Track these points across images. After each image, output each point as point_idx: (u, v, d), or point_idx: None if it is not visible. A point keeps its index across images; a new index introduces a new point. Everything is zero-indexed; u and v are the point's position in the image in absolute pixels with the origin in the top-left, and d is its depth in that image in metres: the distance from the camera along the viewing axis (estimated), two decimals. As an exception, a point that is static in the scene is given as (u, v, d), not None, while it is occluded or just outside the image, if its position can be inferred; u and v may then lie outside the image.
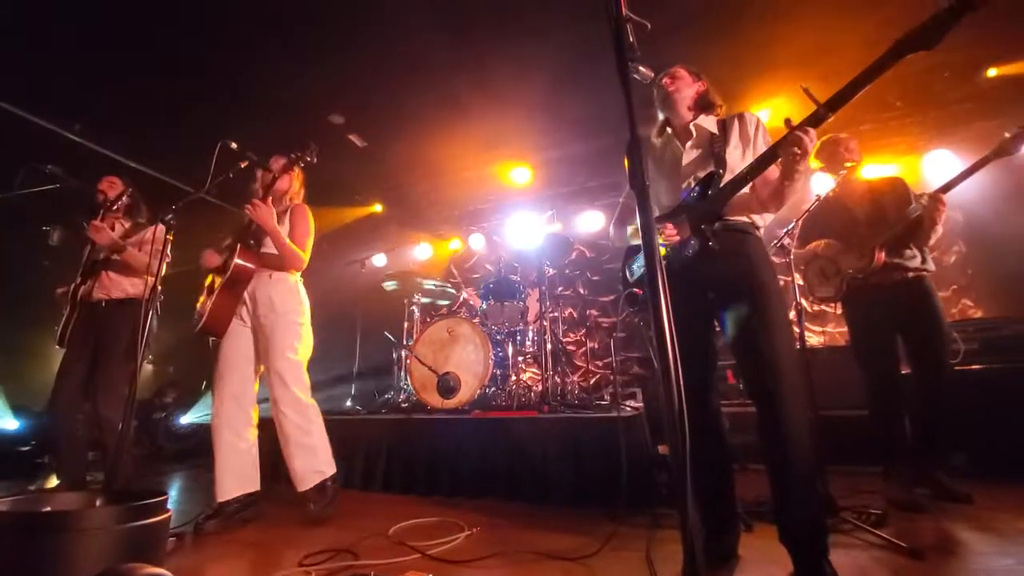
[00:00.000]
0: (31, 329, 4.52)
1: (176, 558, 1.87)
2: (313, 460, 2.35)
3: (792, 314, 2.23)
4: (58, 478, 2.59)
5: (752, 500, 2.07)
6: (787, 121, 1.44)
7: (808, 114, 1.41)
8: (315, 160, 2.54)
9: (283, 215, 2.55)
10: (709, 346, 1.67)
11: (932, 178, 4.22)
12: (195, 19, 3.17)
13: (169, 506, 1.36)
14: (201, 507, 2.37)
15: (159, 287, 2.33)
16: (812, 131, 1.41)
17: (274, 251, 2.46)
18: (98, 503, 1.33)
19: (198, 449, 4.28)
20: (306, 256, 2.53)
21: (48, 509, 1.21)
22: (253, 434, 2.40)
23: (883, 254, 2.42)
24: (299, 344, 2.44)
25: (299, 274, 2.59)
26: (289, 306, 2.45)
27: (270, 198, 2.45)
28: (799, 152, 1.42)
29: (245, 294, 2.45)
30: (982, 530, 1.90)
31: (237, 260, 2.40)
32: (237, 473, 2.30)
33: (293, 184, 2.63)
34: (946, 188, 2.41)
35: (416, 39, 3.42)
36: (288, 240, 2.45)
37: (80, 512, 1.17)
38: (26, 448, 3.52)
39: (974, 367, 2.95)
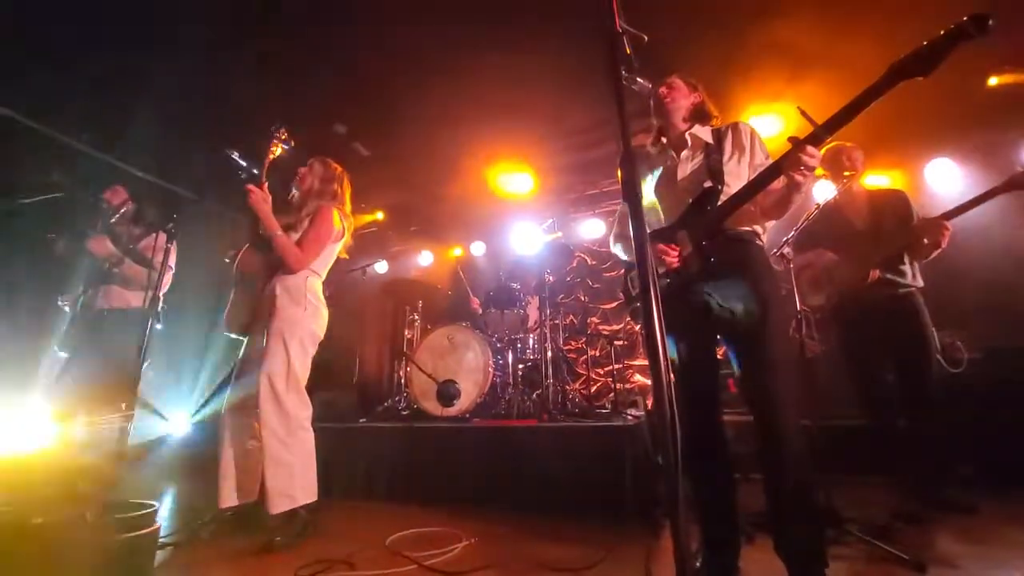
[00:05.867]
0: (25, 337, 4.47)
1: (170, 567, 1.87)
2: (288, 482, 2.12)
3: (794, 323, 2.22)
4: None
5: (753, 511, 2.05)
6: (791, 139, 1.42)
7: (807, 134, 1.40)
8: (286, 140, 2.43)
9: (306, 218, 2.42)
10: (714, 359, 1.65)
11: (933, 187, 4.19)
12: (197, 32, 3.22)
13: (165, 512, 1.36)
14: (198, 515, 2.34)
15: (161, 298, 2.33)
16: (813, 149, 1.38)
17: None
18: (87, 515, 1.32)
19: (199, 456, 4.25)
20: (308, 257, 2.33)
21: (38, 521, 1.20)
22: (255, 445, 2.28)
23: (878, 272, 2.40)
24: (299, 351, 2.27)
25: (317, 280, 2.43)
26: (295, 308, 2.29)
27: (266, 184, 2.31)
28: (804, 170, 1.40)
29: (266, 293, 2.35)
30: (986, 542, 1.88)
31: (239, 260, 2.40)
32: (237, 482, 2.25)
33: (314, 184, 2.49)
34: (949, 216, 2.35)
35: (418, 48, 3.46)
36: (280, 231, 2.27)
37: (67, 524, 1.16)
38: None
39: (979, 376, 2.91)
